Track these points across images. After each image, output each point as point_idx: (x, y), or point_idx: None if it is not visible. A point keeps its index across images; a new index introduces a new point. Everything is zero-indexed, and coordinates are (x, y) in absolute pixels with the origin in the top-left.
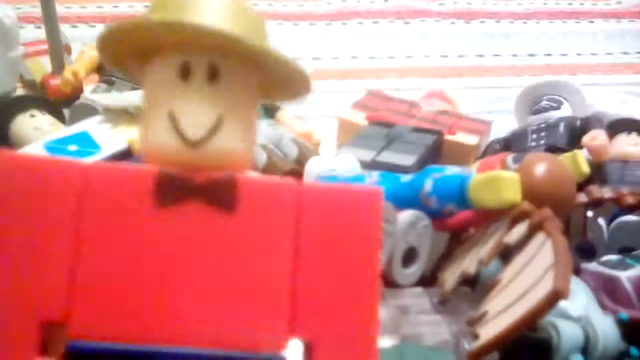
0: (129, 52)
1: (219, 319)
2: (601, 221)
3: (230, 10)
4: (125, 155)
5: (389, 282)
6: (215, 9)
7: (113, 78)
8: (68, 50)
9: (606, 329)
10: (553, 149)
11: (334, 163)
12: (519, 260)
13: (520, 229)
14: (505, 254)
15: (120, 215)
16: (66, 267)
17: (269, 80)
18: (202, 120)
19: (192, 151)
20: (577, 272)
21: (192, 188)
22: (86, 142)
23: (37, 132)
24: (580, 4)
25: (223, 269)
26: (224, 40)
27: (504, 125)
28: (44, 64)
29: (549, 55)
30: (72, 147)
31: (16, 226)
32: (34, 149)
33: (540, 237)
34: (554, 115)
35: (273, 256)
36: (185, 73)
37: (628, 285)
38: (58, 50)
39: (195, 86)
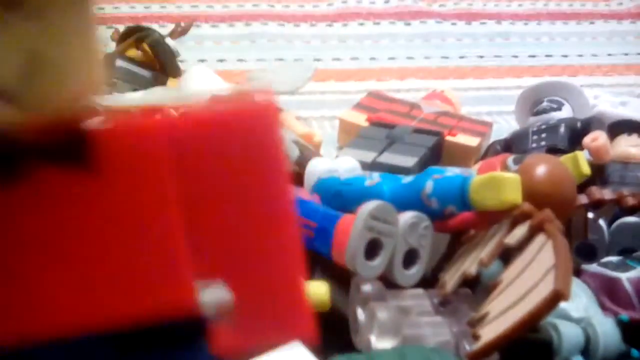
0: None
1: (112, 292)
2: (602, 222)
3: None
4: None
5: (390, 283)
6: None
7: (114, 80)
8: None
9: (607, 331)
10: (554, 150)
11: (335, 164)
12: (519, 262)
13: (520, 230)
14: (506, 255)
15: None
16: None
17: None
18: (12, 65)
19: (10, 107)
20: (578, 273)
21: (31, 154)
22: None
23: None
24: (581, 5)
25: (100, 238)
26: None
27: (505, 127)
28: None
29: (549, 56)
30: None
31: None
32: None
33: (540, 238)
34: (554, 116)
35: (157, 206)
36: None
37: (629, 287)
38: None
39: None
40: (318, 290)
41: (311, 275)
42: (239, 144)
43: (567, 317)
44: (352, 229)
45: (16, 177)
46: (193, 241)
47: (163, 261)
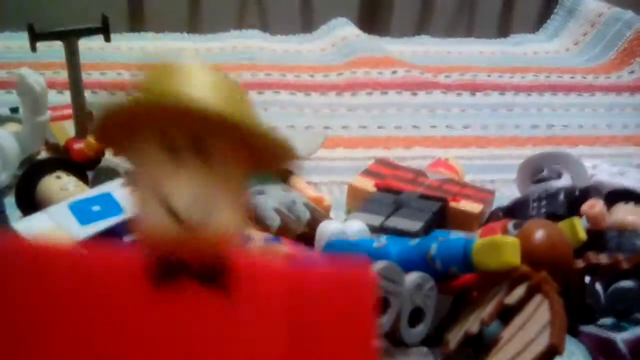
0: (122, 134)
1: None
2: (598, 286)
3: (213, 86)
4: None
5: (396, 341)
6: (198, 85)
7: None
8: (90, 116)
9: None
10: (553, 217)
11: (344, 227)
12: (518, 320)
13: (519, 291)
14: (506, 314)
15: (113, 302)
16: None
17: (257, 150)
18: (194, 200)
19: (186, 232)
20: (575, 333)
21: (186, 270)
22: (109, 203)
23: (63, 192)
24: (582, 77)
25: (218, 354)
26: (207, 117)
27: (506, 194)
28: (67, 128)
29: (551, 127)
30: (96, 208)
31: (7, 313)
32: (59, 208)
33: (537, 298)
34: (554, 185)
35: (267, 340)
36: (171, 151)
37: (623, 347)
38: (82, 115)
39: (183, 165)
40: None
41: None
42: (337, 304)
43: None
44: None
45: (167, 285)
46: None
47: None
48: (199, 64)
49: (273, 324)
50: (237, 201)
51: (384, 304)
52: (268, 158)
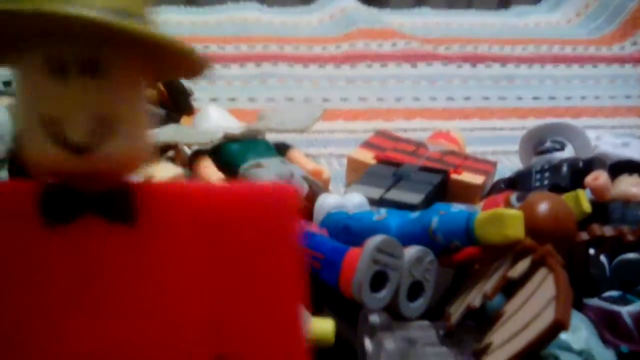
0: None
1: (128, 348)
2: (603, 258)
3: None
4: None
5: (396, 315)
6: None
7: None
8: None
9: None
10: (556, 189)
11: (344, 200)
12: (521, 294)
13: (523, 264)
14: (509, 288)
15: (3, 242)
16: None
17: (158, 61)
18: (85, 122)
19: (78, 159)
20: (580, 307)
21: (83, 202)
22: None
23: None
24: (585, 49)
25: (128, 292)
26: (100, 28)
27: (509, 166)
28: None
29: (553, 98)
30: None
31: None
32: None
33: (542, 271)
34: (557, 156)
35: (183, 270)
36: (59, 68)
37: (628, 320)
38: None
39: (72, 83)
40: (323, 327)
41: (319, 309)
42: (253, 223)
43: (568, 349)
44: (358, 261)
45: (63, 220)
46: (211, 312)
47: (182, 325)
48: None
49: (187, 253)
50: (140, 122)
51: (382, 278)
52: (173, 67)
